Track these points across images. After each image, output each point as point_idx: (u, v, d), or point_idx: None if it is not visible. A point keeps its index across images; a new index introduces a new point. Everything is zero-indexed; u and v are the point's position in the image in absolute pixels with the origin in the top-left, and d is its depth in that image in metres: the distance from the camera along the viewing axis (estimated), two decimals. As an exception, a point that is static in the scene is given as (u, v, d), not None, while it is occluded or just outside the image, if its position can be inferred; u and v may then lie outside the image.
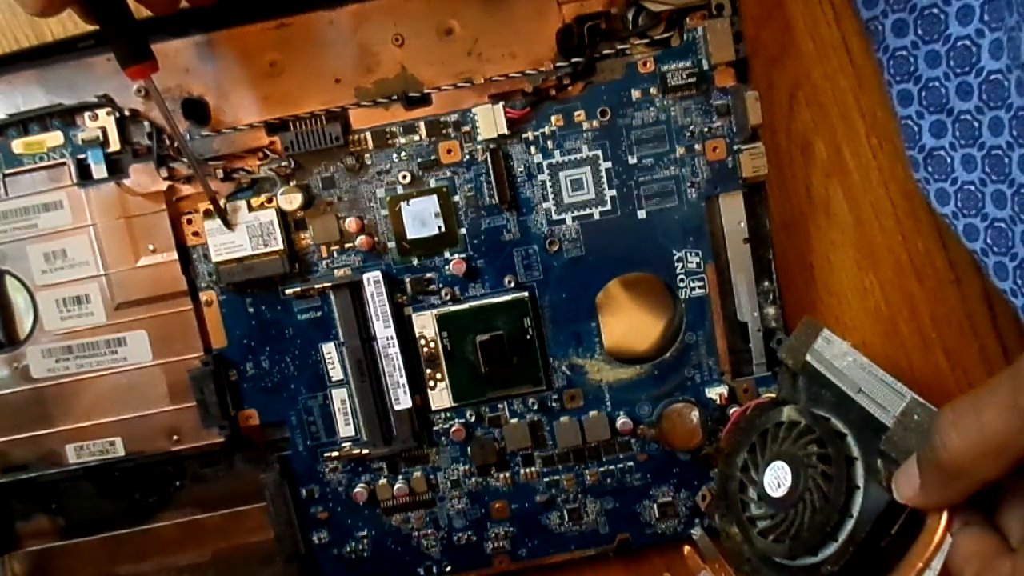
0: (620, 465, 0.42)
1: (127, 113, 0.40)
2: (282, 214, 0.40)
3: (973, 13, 0.39)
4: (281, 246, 0.40)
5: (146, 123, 0.40)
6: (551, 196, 0.40)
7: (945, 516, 0.29)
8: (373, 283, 0.40)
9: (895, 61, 0.42)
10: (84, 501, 0.43)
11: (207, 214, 0.40)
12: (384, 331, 0.40)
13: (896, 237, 0.44)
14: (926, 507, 0.30)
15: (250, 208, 0.40)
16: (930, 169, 0.42)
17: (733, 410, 0.41)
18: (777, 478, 0.34)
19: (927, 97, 0.41)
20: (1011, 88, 0.38)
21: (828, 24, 0.43)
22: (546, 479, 0.43)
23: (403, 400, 0.41)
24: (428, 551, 0.43)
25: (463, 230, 0.41)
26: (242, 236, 0.40)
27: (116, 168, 0.40)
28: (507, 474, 0.43)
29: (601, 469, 0.43)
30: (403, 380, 0.41)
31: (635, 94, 0.40)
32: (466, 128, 0.40)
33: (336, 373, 0.41)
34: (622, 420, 0.41)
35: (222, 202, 0.40)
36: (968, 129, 0.40)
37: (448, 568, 0.43)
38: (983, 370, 0.43)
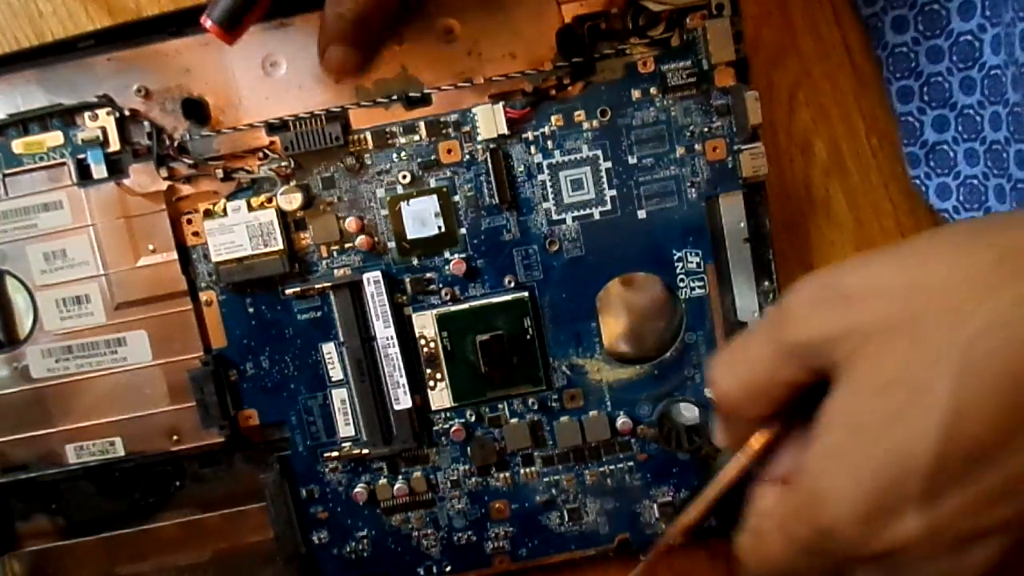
0: (620, 465, 0.42)
1: (127, 113, 0.40)
2: (282, 214, 0.40)
3: (975, 8, 0.39)
4: (281, 246, 0.40)
5: (146, 123, 0.40)
6: (551, 196, 0.40)
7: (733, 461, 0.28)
8: (373, 283, 0.40)
9: (894, 58, 0.42)
10: (84, 501, 0.43)
11: (207, 214, 0.40)
12: (384, 331, 0.40)
13: (896, 237, 0.44)
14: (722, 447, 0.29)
15: (250, 208, 0.40)
16: (931, 164, 0.42)
17: None
18: None
19: (929, 92, 0.41)
20: (1007, 84, 0.38)
21: (828, 24, 0.43)
22: (546, 479, 0.43)
23: (403, 400, 0.41)
24: (428, 551, 0.43)
25: (463, 230, 0.41)
26: (242, 236, 0.40)
27: (116, 168, 0.40)
28: (507, 474, 0.43)
29: (601, 469, 0.43)
30: (403, 380, 0.41)
31: (635, 94, 0.40)
32: (466, 128, 0.40)
33: (336, 373, 0.41)
34: (622, 420, 0.41)
35: (222, 202, 0.40)
36: (971, 123, 0.40)
37: (448, 568, 0.43)
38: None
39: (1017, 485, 0.21)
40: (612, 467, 0.43)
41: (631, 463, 0.42)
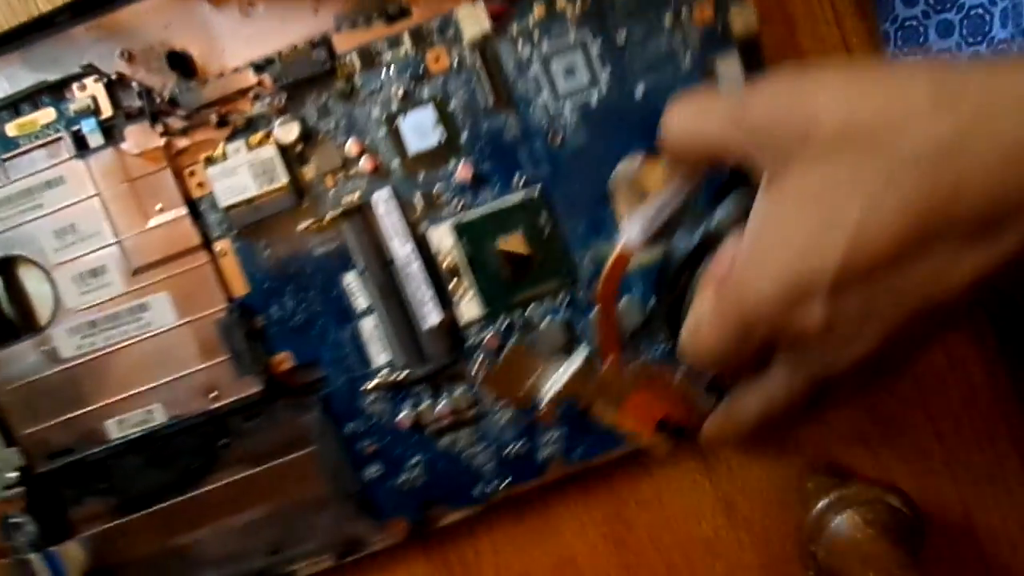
0: (658, 351, 0.42)
1: (114, 78, 0.40)
2: (282, 149, 0.40)
3: None
4: (285, 180, 0.40)
5: (134, 84, 0.40)
6: (546, 87, 0.40)
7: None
8: (383, 202, 0.40)
9: (903, 31, 0.42)
10: (133, 475, 0.43)
11: (208, 161, 0.40)
12: (402, 249, 0.40)
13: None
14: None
15: (249, 147, 0.40)
16: None
17: None
18: None
19: None
20: None
21: (828, 24, 0.43)
22: (588, 377, 0.42)
23: (432, 317, 0.40)
24: (481, 469, 0.43)
25: (464, 136, 0.40)
26: (245, 177, 0.40)
27: (111, 134, 0.40)
28: (548, 378, 0.42)
29: (640, 360, 0.42)
30: (429, 294, 0.40)
31: (613, -31, 0.39)
32: (450, 32, 0.39)
33: (361, 303, 0.41)
34: (653, 302, 0.41)
35: (221, 147, 0.40)
36: None
37: (507, 482, 0.43)
38: (983, 367, 0.43)
39: (897, 297, 0.25)
40: (650, 355, 0.42)
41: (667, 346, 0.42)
